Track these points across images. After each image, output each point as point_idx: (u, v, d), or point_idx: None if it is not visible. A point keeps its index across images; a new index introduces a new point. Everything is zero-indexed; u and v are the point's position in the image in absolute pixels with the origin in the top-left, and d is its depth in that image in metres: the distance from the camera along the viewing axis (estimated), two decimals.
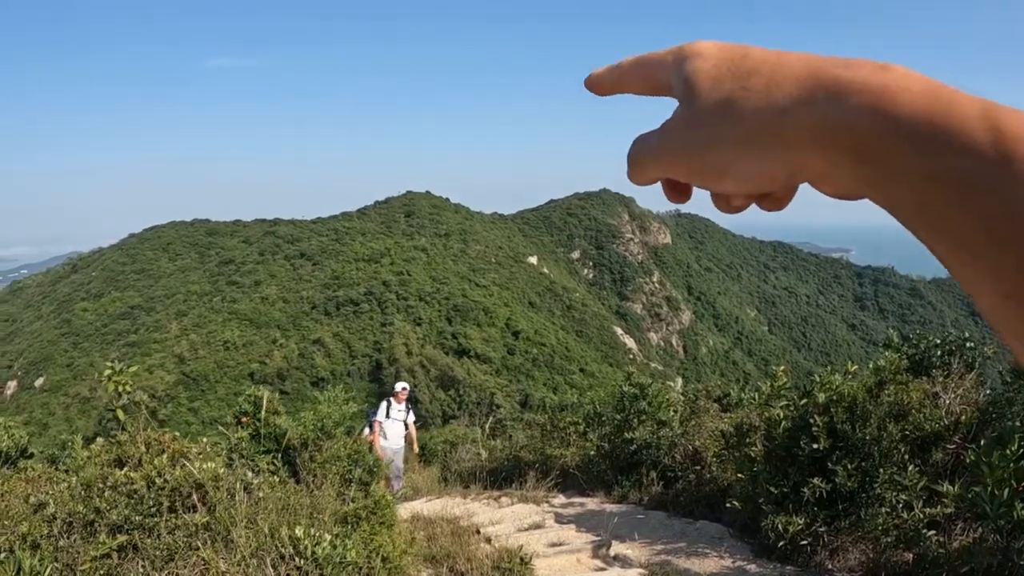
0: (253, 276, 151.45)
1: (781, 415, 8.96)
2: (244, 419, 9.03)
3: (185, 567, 5.81)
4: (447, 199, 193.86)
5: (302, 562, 5.76)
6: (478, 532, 9.93)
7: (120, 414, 8.05)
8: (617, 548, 9.04)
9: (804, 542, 7.88)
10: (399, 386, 14.40)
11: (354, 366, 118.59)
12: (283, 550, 5.85)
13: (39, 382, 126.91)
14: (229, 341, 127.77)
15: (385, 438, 13.94)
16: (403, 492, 14.12)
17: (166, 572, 5.81)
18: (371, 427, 14.04)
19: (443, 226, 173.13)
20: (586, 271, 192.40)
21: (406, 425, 14.31)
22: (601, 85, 0.75)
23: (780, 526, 7.96)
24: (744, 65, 0.60)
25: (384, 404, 14.17)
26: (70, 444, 9.67)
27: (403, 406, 14.21)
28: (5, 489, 7.57)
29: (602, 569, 8.45)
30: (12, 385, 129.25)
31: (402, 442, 14.22)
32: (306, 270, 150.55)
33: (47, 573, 5.06)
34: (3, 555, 5.03)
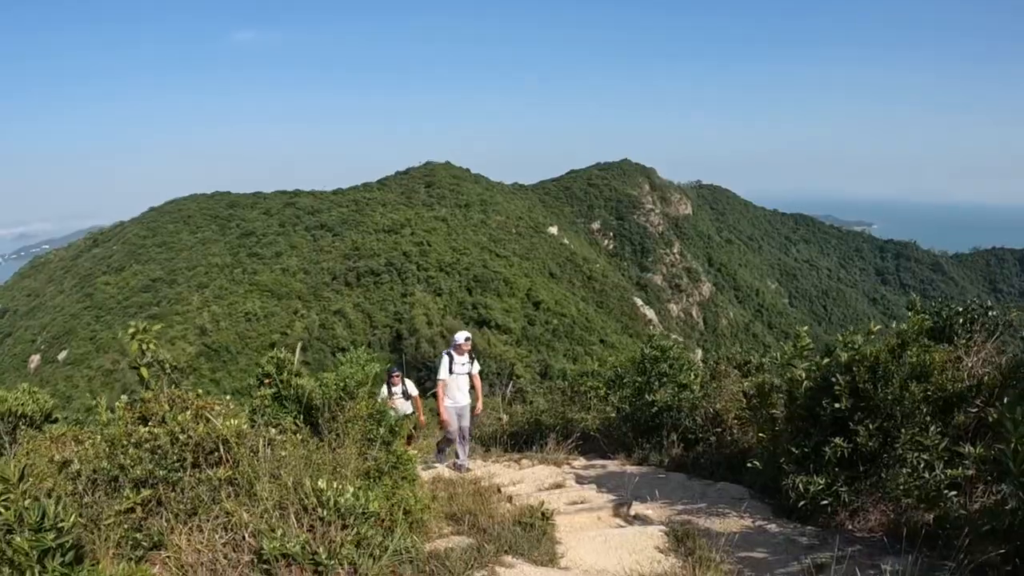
0: (274, 248, 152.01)
1: (803, 375, 8.96)
2: (267, 380, 9.09)
3: (208, 520, 5.87)
4: (467, 169, 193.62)
5: (325, 512, 5.81)
6: (499, 491, 10.00)
7: (144, 372, 8.13)
8: (637, 508, 9.08)
9: (825, 502, 7.87)
10: (460, 336, 13.22)
11: (375, 336, 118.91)
12: (306, 501, 5.90)
13: (62, 355, 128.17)
14: (250, 312, 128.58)
15: (451, 398, 13.06)
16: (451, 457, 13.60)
17: (190, 525, 5.87)
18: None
19: (463, 196, 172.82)
20: (607, 242, 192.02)
21: (471, 377, 13.28)
22: None
23: (801, 486, 7.96)
24: None
25: (445, 359, 13.06)
26: (95, 407, 9.77)
27: (466, 358, 13.14)
28: (30, 448, 7.68)
29: (622, 527, 8.49)
30: (35, 359, 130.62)
31: (468, 399, 13.29)
32: (326, 241, 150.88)
33: (71, 520, 5.13)
34: (27, 502, 5.10)
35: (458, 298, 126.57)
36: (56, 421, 11.25)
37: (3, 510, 4.98)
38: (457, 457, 13.27)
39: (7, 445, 10.12)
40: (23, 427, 10.74)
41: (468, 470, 12.91)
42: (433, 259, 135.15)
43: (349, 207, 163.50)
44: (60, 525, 5.02)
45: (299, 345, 9.28)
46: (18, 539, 4.85)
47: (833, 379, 8.16)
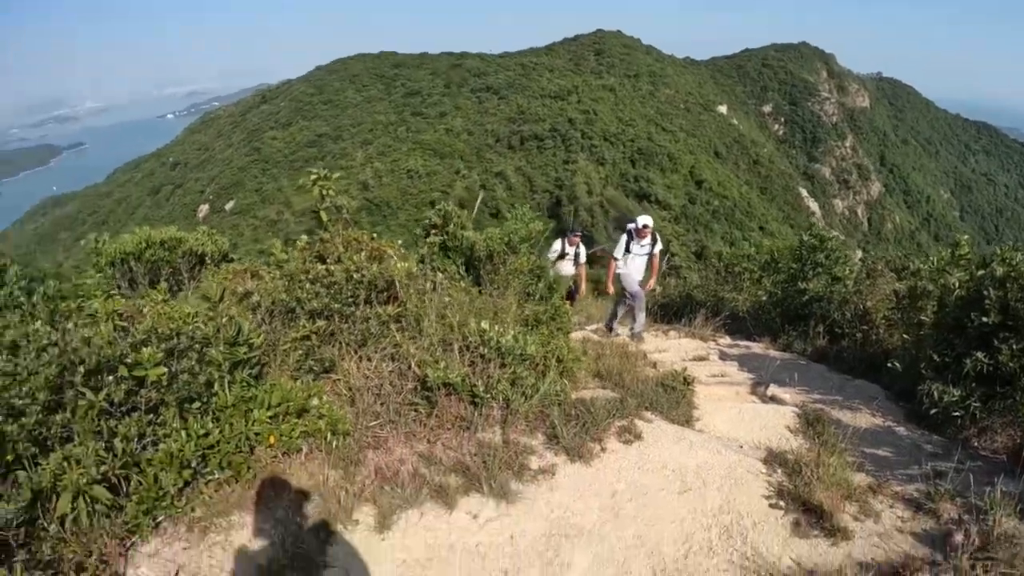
0: (438, 108, 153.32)
1: (956, 284, 8.84)
2: (433, 231, 9.61)
3: (376, 351, 6.46)
4: (638, 40, 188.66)
5: (485, 351, 6.36)
6: (645, 357, 10.34)
7: (323, 215, 8.71)
8: (774, 390, 9.26)
9: (956, 414, 7.75)
10: (641, 221, 13.00)
11: (534, 200, 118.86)
12: (469, 340, 6.43)
13: (229, 205, 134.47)
14: (412, 170, 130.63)
15: (625, 274, 13.11)
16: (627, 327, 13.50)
17: (359, 354, 6.48)
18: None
19: (633, 67, 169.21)
20: (777, 127, 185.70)
21: (650, 258, 13.22)
22: None
23: (936, 394, 7.86)
24: None
25: (623, 239, 13.08)
26: (267, 249, 10.48)
27: (647, 240, 13.06)
28: (212, 282, 8.40)
29: (756, 404, 8.77)
30: (204, 208, 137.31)
31: (642, 276, 13.31)
32: (491, 104, 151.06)
33: (260, 340, 5.76)
34: (225, 319, 5.74)
35: (620, 169, 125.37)
36: (232, 261, 12.17)
37: (203, 325, 5.63)
38: (633, 322, 13.35)
39: (187, 281, 11.08)
40: (205, 265, 11.74)
41: (641, 339, 13.03)
42: (598, 128, 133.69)
43: (516, 71, 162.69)
44: (251, 342, 5.66)
45: (481, 195, 9.67)
46: (214, 351, 5.49)
47: (985, 292, 7.99)
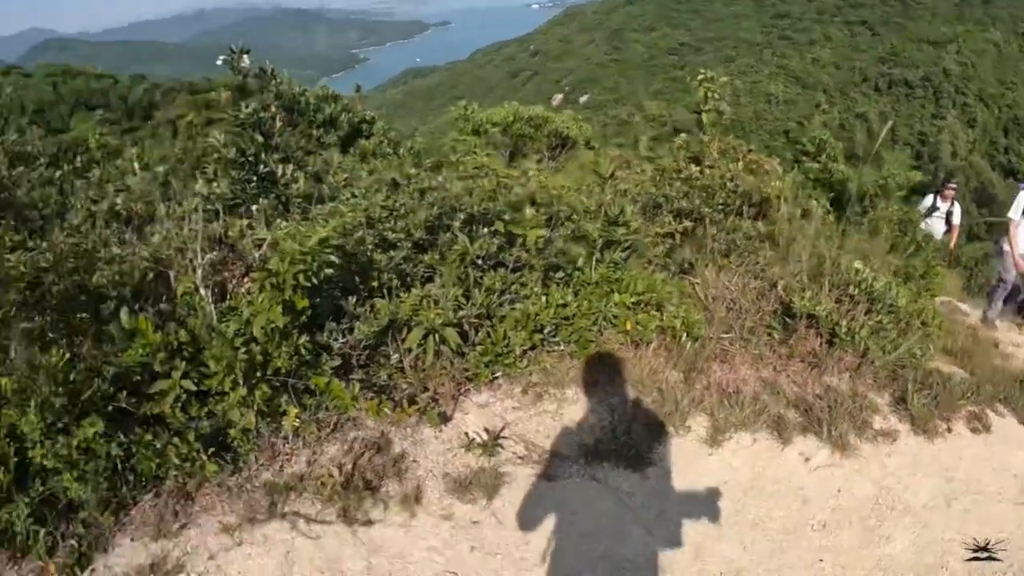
0: (808, 35, 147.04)
1: None
2: (805, 158, 9.33)
3: (739, 264, 6.38)
4: None
5: (855, 292, 6.12)
6: (996, 346, 9.49)
7: (705, 118, 8.65)
8: None
9: None
10: None
11: (893, 151, 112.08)
12: (843, 276, 6.20)
13: (583, 99, 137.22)
14: (772, 95, 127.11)
15: (1020, 243, 10.18)
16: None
17: (720, 264, 6.42)
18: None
19: None
20: None
21: None
22: None
23: None
24: None
25: (1021, 196, 10.06)
26: (634, 143, 10.61)
27: None
28: (583, 163, 8.61)
29: None
30: (558, 98, 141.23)
31: None
32: (864, 39, 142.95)
33: (635, 225, 5.84)
34: (609, 197, 5.87)
35: (991, 136, 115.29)
36: (594, 148, 12.43)
37: (585, 199, 5.78)
38: (989, 306, 11.01)
39: (545, 160, 11.44)
40: (567, 147, 12.08)
41: (993, 326, 10.74)
42: (975, 86, 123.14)
43: (895, 8, 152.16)
44: (629, 223, 5.74)
45: (889, 123, 9.09)
46: (589, 226, 5.61)
47: None
